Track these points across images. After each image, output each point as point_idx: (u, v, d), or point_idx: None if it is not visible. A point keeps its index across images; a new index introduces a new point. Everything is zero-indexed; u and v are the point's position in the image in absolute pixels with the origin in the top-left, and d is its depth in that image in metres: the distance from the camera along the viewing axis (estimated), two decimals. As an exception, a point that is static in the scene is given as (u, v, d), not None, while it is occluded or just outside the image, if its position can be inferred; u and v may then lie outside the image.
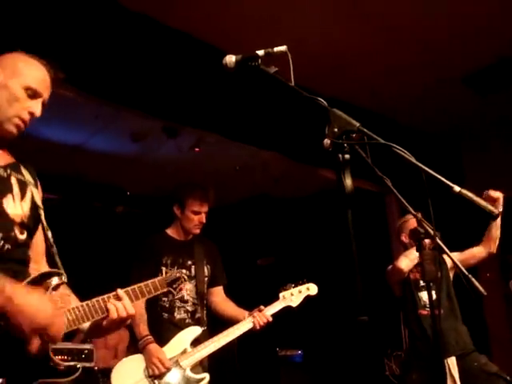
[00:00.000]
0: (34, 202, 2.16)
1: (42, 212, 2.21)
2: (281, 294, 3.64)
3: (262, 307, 3.50)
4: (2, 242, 1.95)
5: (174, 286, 2.78)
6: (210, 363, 3.54)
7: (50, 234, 2.24)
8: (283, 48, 1.88)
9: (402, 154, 1.53)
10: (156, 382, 3.19)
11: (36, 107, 2.09)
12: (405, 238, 4.37)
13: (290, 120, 5.51)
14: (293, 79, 1.86)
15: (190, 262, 3.58)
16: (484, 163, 7.32)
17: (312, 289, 3.76)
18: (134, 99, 4.79)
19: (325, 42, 5.10)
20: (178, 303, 3.46)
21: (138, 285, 2.33)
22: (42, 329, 1.74)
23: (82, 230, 7.62)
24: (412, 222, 4.65)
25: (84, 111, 5.60)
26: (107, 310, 2.06)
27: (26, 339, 1.72)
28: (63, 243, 7.55)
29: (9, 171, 2.09)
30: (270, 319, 3.47)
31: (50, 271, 2.11)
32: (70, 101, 5.23)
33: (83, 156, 6.85)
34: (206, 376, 3.31)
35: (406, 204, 1.87)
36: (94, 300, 2.08)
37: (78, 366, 4.49)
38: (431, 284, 4.05)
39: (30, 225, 2.12)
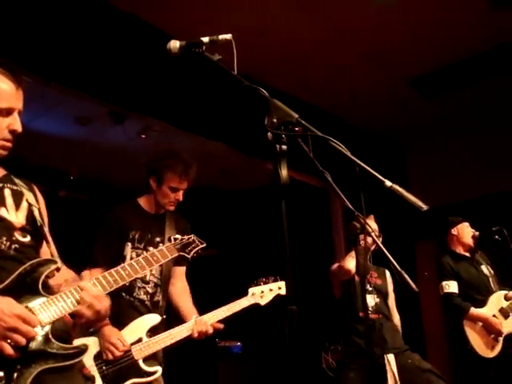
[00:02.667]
0: (31, 211, 2.17)
1: (43, 219, 2.23)
2: (250, 290, 3.36)
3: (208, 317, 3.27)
4: (9, 243, 1.99)
5: (188, 249, 2.78)
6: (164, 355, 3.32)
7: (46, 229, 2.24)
8: (228, 36, 1.87)
9: (338, 147, 1.55)
10: (104, 369, 2.97)
11: (15, 123, 2.08)
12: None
13: (239, 112, 5.51)
14: (236, 68, 1.85)
15: (158, 239, 3.30)
16: (428, 165, 7.50)
17: (284, 288, 3.37)
18: (82, 82, 4.70)
19: (274, 37, 5.13)
20: (138, 283, 3.21)
21: (143, 256, 2.32)
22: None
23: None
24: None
25: (29, 91, 5.46)
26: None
27: None
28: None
29: (1, 184, 2.12)
30: (210, 332, 3.24)
31: (45, 260, 2.08)
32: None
33: (26, 137, 6.67)
34: (159, 369, 3.08)
35: (344, 198, 1.90)
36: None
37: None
38: (370, 287, 4.21)
39: (31, 230, 2.12)
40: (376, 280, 4.39)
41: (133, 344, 3.06)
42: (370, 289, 4.25)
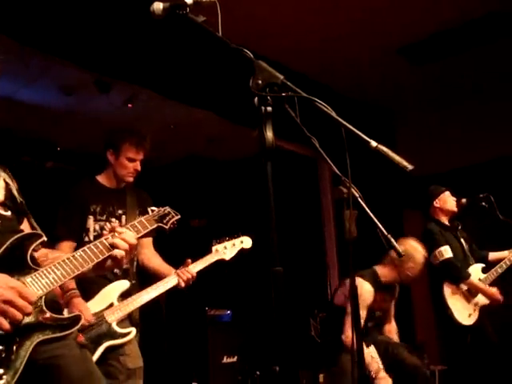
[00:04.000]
0: (9, 189, 2.25)
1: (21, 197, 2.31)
2: (213, 248, 3.58)
3: (188, 260, 3.43)
4: None
5: (165, 220, 2.80)
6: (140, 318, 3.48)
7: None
8: (212, -3, 1.84)
9: (324, 108, 1.54)
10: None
11: None
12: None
13: (226, 79, 5.46)
14: (220, 31, 1.83)
15: (120, 212, 3.45)
16: (416, 134, 7.51)
17: (246, 242, 3.70)
18: (66, 50, 4.63)
19: (261, 2, 5.06)
20: None
21: (127, 226, 2.35)
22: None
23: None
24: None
25: (14, 61, 5.38)
26: (113, 246, 2.11)
27: None
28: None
29: None
30: (194, 275, 3.39)
31: (31, 233, 2.14)
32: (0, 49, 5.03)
33: (12, 108, 6.60)
34: (133, 330, 3.23)
35: (331, 163, 1.89)
36: (95, 243, 2.14)
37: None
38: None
39: (11, 205, 2.20)
40: None
41: (104, 310, 3.19)
42: None
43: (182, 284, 3.35)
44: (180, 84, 5.31)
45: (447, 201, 5.25)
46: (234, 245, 3.63)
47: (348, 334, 4.07)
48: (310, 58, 5.96)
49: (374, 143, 1.48)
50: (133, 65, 4.96)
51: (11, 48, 4.69)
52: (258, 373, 7.07)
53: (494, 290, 4.93)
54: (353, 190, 2.11)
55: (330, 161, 1.88)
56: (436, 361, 5.97)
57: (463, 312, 4.87)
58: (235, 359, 7.14)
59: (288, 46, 5.66)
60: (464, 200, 5.23)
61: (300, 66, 5.96)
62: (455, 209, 5.24)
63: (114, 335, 3.16)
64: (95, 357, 3.07)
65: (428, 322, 6.47)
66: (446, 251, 4.97)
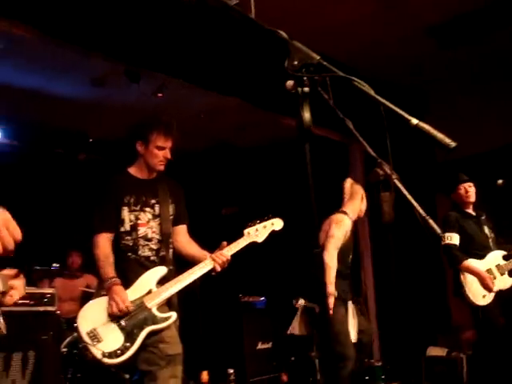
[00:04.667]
0: None
1: None
2: (245, 231, 3.60)
3: (224, 243, 3.47)
4: None
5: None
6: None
7: None
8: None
9: (362, 87, 1.52)
10: (122, 322, 3.18)
11: None
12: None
13: (255, 66, 5.44)
14: (253, 13, 1.81)
15: (153, 201, 3.49)
16: (448, 118, 7.38)
17: (277, 223, 3.71)
18: (96, 42, 4.66)
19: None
20: (141, 241, 3.39)
21: None
22: None
23: (43, 177, 7.51)
24: None
25: (44, 54, 5.45)
26: None
27: None
28: (24, 190, 7.45)
29: None
30: (229, 258, 3.43)
31: None
32: (30, 43, 5.09)
33: (44, 101, 6.69)
34: (173, 314, 3.29)
35: (366, 145, 1.87)
36: None
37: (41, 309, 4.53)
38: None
39: None
40: None
41: (144, 296, 3.27)
42: None
43: (218, 268, 3.40)
44: (210, 72, 5.31)
45: (464, 191, 5.34)
46: (265, 227, 3.65)
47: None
48: (337, 40, 5.88)
49: (414, 120, 1.45)
50: (162, 54, 4.97)
51: (42, 41, 4.74)
52: (292, 358, 7.09)
53: (487, 276, 5.01)
54: (389, 171, 2.09)
55: (365, 142, 1.85)
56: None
57: (478, 293, 4.99)
58: (270, 345, 7.17)
59: (315, 28, 5.59)
60: (500, 181, 5.24)
61: (327, 48, 5.87)
62: (471, 199, 5.34)
63: (155, 320, 3.23)
64: (138, 342, 3.16)
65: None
66: (451, 237, 5.12)
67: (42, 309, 4.63)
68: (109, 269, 3.28)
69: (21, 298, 3.77)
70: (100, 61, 5.20)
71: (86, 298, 6.55)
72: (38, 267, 6.51)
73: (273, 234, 3.68)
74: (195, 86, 5.58)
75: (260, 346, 7.04)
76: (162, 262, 3.44)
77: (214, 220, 8.28)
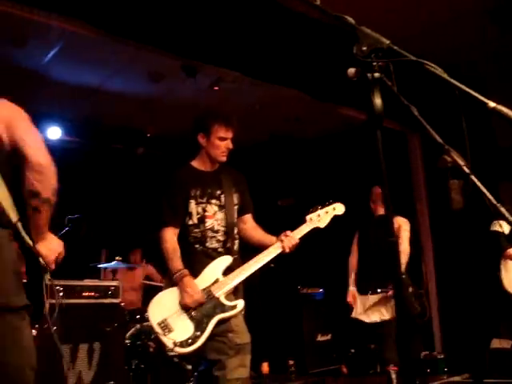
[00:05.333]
0: None
1: None
2: (307, 217, 3.59)
3: (288, 232, 3.47)
4: None
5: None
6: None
7: None
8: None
9: (435, 70, 1.48)
10: (192, 312, 3.25)
11: None
12: None
13: (312, 57, 5.40)
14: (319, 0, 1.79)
15: (219, 192, 3.53)
16: (508, 101, 7.16)
17: (338, 208, 3.67)
18: (153, 37, 4.71)
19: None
20: (209, 233, 3.44)
21: None
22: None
23: (102, 173, 7.66)
24: None
25: (102, 51, 5.53)
26: None
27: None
28: (85, 185, 7.60)
29: None
30: (298, 241, 3.45)
31: None
32: (87, 40, 5.18)
33: (102, 97, 6.81)
34: (240, 302, 3.33)
35: (433, 132, 1.82)
36: None
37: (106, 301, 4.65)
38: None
39: None
40: None
41: (211, 285, 3.32)
42: None
43: (287, 249, 3.41)
44: (266, 64, 5.29)
45: None
46: (327, 212, 3.63)
47: None
48: (396, 20, 5.73)
49: (492, 103, 1.40)
50: (218, 47, 4.99)
51: (99, 38, 4.82)
52: (352, 351, 7.05)
53: None
54: (457, 158, 2.04)
55: (431, 129, 1.80)
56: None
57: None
58: (329, 337, 7.15)
59: (374, 10, 5.49)
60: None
61: (385, 30, 5.75)
62: None
63: (224, 309, 3.27)
64: (208, 331, 3.20)
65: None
66: (500, 225, 5.13)
67: (106, 301, 4.72)
68: (177, 261, 3.34)
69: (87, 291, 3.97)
70: (158, 56, 5.25)
71: (146, 287, 6.70)
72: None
73: (335, 218, 3.65)
74: (251, 79, 5.58)
75: (320, 337, 7.03)
76: (228, 252, 3.48)
77: (270, 211, 8.28)
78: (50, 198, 2.24)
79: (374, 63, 1.53)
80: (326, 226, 3.60)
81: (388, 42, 1.53)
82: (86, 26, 4.50)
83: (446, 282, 7.09)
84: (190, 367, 5.12)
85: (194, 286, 3.27)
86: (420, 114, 1.96)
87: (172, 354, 5.25)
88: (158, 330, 3.21)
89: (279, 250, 3.43)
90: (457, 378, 6.37)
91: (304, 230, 3.55)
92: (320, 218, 3.60)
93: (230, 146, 3.52)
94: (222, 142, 3.49)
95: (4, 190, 2.20)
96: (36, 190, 2.20)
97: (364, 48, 1.54)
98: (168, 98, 6.85)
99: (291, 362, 6.45)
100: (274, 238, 3.51)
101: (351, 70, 1.61)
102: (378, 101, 1.49)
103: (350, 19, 1.63)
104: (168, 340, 3.17)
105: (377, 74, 1.51)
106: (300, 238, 3.51)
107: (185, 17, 4.74)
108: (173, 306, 3.27)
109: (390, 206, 1.43)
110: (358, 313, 5.31)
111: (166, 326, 3.21)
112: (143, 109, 7.16)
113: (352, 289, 5.41)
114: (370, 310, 5.21)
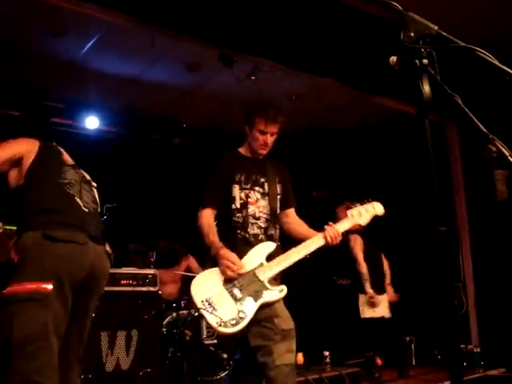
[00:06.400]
0: None
1: None
2: (348, 212, 3.60)
3: (331, 223, 3.48)
4: None
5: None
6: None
7: None
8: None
9: (486, 57, 1.44)
10: (236, 293, 3.22)
11: None
12: None
13: (348, 46, 5.34)
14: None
15: (262, 180, 3.55)
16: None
17: (378, 208, 3.68)
18: (190, 26, 4.73)
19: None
20: (251, 219, 3.45)
21: None
22: None
23: (139, 162, 7.72)
24: None
25: (139, 41, 5.55)
26: None
27: None
28: (121, 174, 7.66)
29: None
30: (340, 233, 3.45)
31: None
32: (125, 30, 5.21)
33: (140, 88, 6.84)
34: (284, 287, 3.31)
35: (476, 121, 1.79)
36: None
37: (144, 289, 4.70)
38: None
39: None
40: None
41: (255, 269, 3.32)
42: None
43: (329, 239, 3.41)
44: (303, 53, 5.27)
45: None
46: (367, 210, 3.64)
47: None
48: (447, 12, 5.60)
49: (544, 90, 1.37)
50: (255, 36, 4.98)
51: (137, 28, 4.84)
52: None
53: None
54: (502, 147, 2.00)
55: (474, 119, 1.77)
56: None
57: None
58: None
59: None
60: None
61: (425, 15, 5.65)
62: None
63: (268, 292, 3.26)
64: (252, 313, 3.17)
65: None
66: None
67: (144, 289, 4.77)
68: (214, 236, 3.36)
69: (125, 279, 4.06)
70: (194, 46, 5.26)
71: (184, 278, 6.71)
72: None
73: (375, 219, 3.67)
74: (287, 68, 5.55)
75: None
76: (269, 239, 3.49)
77: (305, 202, 8.24)
78: None
79: (423, 49, 1.50)
80: (365, 224, 3.66)
81: (436, 27, 1.51)
82: (124, 16, 4.53)
83: (483, 275, 6.99)
84: (225, 356, 5.15)
85: (231, 256, 3.25)
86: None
87: (208, 342, 5.31)
88: (202, 306, 3.16)
89: (322, 241, 3.42)
90: (493, 372, 6.30)
91: (346, 224, 3.56)
92: (361, 214, 3.62)
93: (268, 140, 3.51)
94: (261, 136, 3.50)
95: None
96: None
97: (411, 34, 1.52)
98: (205, 87, 6.86)
99: (327, 353, 6.43)
100: (317, 233, 3.50)
101: (393, 58, 1.59)
102: (426, 88, 1.47)
103: (397, 5, 1.60)
104: (212, 318, 3.12)
105: (425, 61, 1.49)
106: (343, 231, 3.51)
107: (222, 6, 4.73)
108: (216, 285, 3.24)
109: (436, 197, 1.40)
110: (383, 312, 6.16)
111: (210, 304, 3.16)
112: (180, 99, 7.17)
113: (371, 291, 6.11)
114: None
